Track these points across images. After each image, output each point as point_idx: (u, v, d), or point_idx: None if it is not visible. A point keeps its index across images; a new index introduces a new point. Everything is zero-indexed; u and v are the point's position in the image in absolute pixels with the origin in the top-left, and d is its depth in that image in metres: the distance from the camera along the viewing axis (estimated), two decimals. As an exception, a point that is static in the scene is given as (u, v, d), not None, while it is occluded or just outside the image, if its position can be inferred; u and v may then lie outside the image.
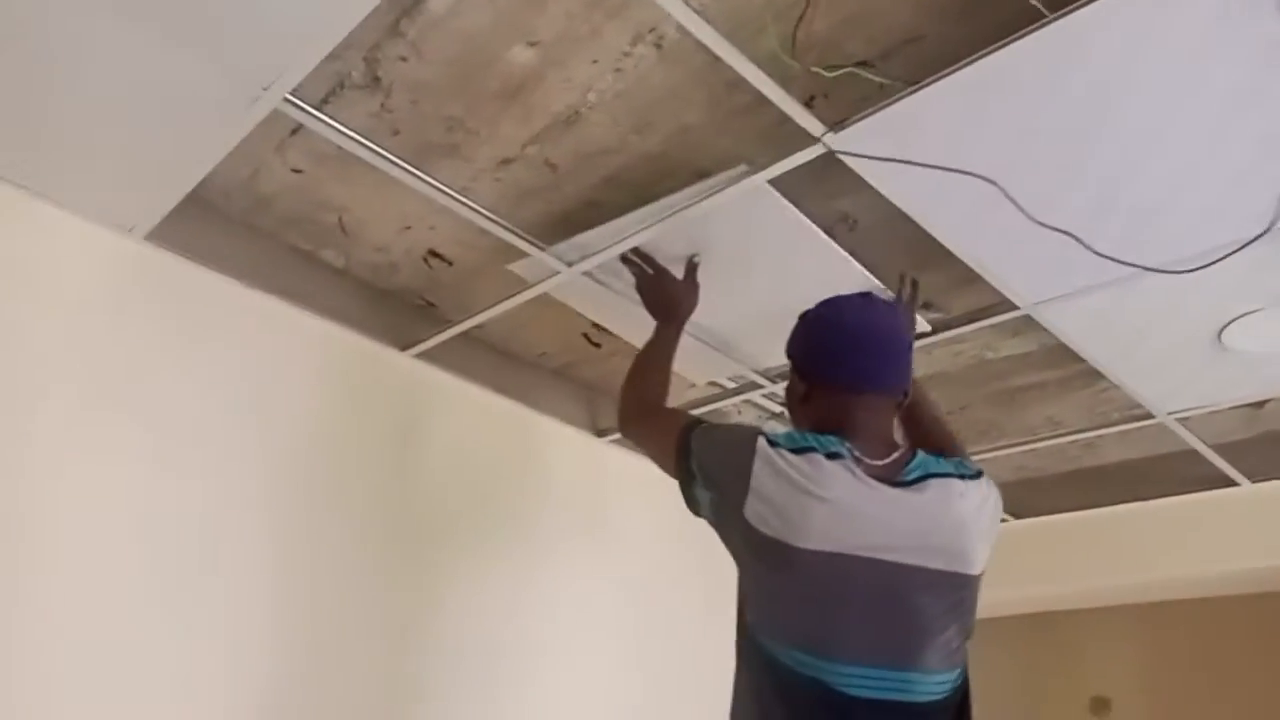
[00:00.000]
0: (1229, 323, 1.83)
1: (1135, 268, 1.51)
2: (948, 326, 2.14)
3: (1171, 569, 2.78)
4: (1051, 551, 2.99)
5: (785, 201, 1.76)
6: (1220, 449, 2.50)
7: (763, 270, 1.97)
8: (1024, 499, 3.08)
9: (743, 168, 1.69)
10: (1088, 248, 1.44)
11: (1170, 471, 2.68)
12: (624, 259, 1.92)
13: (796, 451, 1.39)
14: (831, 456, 1.38)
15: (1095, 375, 2.26)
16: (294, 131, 1.74)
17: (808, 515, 1.34)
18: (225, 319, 2.07)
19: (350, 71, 1.59)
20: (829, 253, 1.87)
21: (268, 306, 2.13)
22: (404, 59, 1.55)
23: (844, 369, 1.52)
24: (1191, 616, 3.26)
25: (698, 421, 1.60)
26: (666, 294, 1.90)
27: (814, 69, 1.30)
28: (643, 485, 2.78)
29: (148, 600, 1.82)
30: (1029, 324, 2.06)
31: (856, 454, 1.41)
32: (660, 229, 1.84)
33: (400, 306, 2.31)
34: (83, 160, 1.76)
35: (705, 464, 1.49)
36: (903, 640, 1.36)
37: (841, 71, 1.32)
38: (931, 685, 1.36)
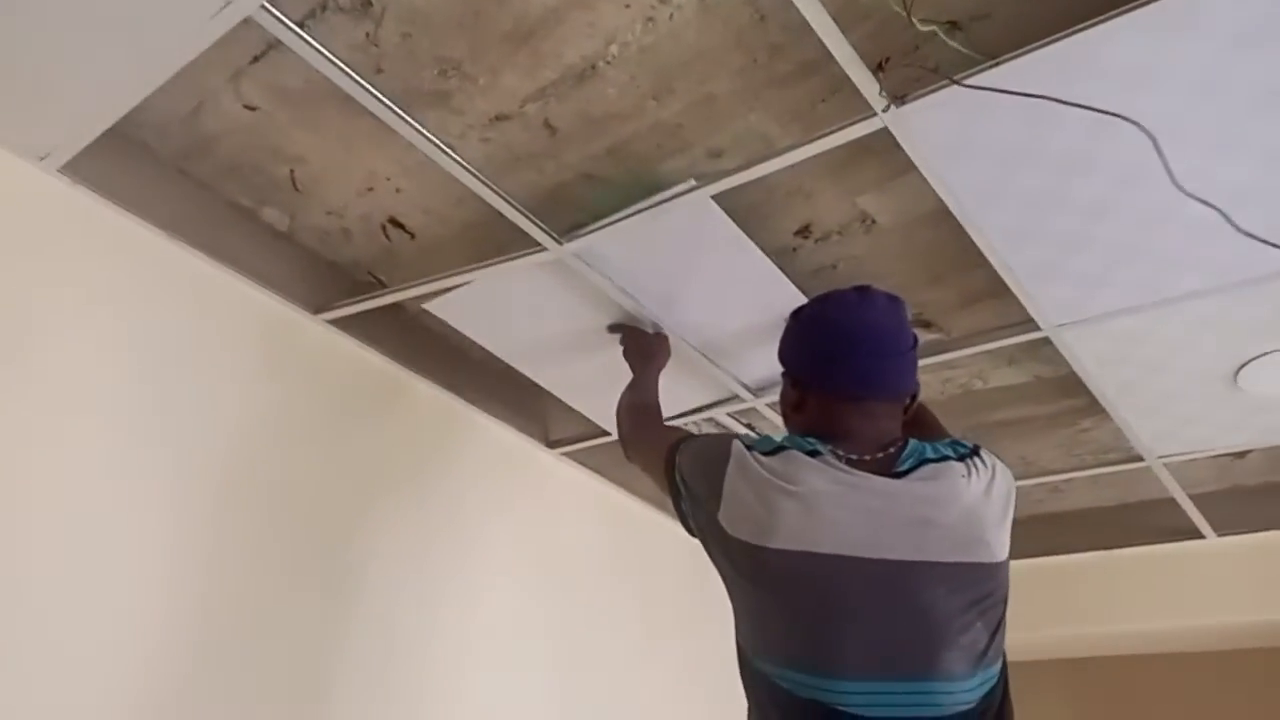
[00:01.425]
0: (1249, 361, 1.77)
1: None
2: (945, 349, 2.01)
3: (1130, 623, 2.72)
4: (1002, 599, 2.90)
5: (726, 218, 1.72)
6: (1193, 499, 2.45)
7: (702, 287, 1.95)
8: (978, 542, 2.97)
9: (690, 182, 1.63)
10: (1232, 223, 1.32)
11: (1139, 520, 2.63)
12: (610, 329, 2.03)
13: (770, 452, 1.29)
14: (810, 454, 1.28)
15: (1083, 413, 2.18)
16: (257, 58, 1.50)
17: (777, 513, 1.22)
18: (141, 273, 1.78)
19: (337, -11, 1.36)
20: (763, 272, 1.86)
21: (191, 265, 1.86)
22: (404, -20, 1.34)
23: (839, 376, 1.38)
24: (1146, 674, 3.21)
25: (686, 437, 1.48)
26: (646, 347, 1.96)
27: (915, 19, 1.15)
28: (591, 505, 2.60)
29: (30, 578, 1.53)
30: (1034, 351, 1.96)
31: (839, 451, 1.29)
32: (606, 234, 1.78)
33: (345, 281, 2.06)
34: (-9, 68, 1.47)
35: (686, 476, 1.39)
36: (915, 647, 1.19)
37: (930, 28, 1.17)
38: (959, 694, 1.18)
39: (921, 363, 2.05)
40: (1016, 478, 2.48)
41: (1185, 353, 1.78)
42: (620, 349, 1.99)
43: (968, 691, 1.19)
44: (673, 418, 2.31)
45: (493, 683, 2.23)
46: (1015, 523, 2.75)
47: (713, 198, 1.65)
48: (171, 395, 1.78)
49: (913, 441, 1.33)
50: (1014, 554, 2.87)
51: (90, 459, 1.64)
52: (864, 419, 1.35)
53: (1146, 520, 2.60)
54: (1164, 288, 1.64)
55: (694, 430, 2.42)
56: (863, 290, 1.43)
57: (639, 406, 1.78)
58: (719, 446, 1.34)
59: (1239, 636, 2.75)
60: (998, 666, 1.23)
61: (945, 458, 1.30)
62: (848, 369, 1.37)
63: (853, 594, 1.20)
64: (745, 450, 1.30)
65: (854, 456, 1.29)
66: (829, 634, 1.20)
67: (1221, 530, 2.58)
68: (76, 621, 1.56)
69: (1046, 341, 1.85)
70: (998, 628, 1.24)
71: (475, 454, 2.37)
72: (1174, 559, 2.67)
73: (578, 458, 2.53)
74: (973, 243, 1.63)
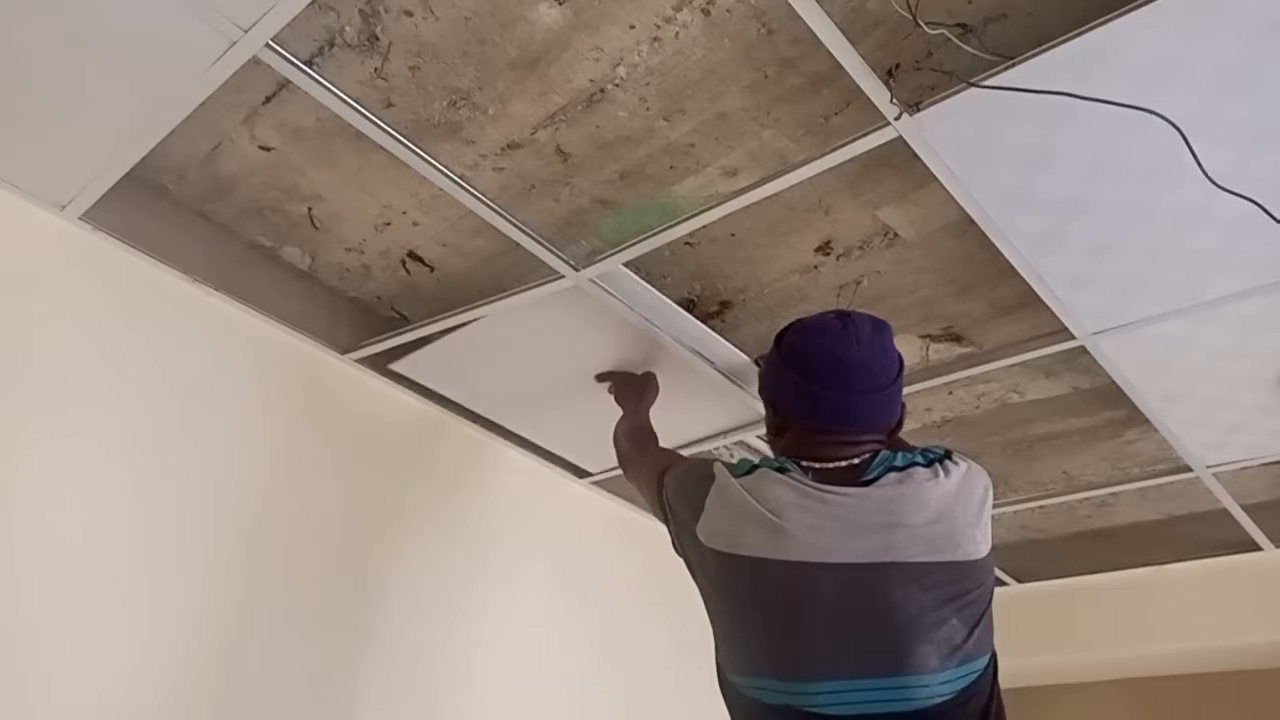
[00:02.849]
0: (1296, 364, 1.70)
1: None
2: (978, 363, 1.96)
3: (1187, 640, 2.61)
4: (1051, 620, 2.81)
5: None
6: (1247, 510, 2.35)
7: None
8: (1026, 561, 2.89)
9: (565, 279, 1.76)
10: (1269, 214, 1.27)
11: (1190, 534, 2.53)
12: (599, 377, 2.08)
13: (746, 473, 1.35)
14: (779, 470, 1.32)
15: (1126, 424, 2.11)
16: (268, 99, 1.51)
17: (749, 525, 1.27)
18: (165, 318, 1.80)
19: (344, 26, 1.36)
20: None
21: (215, 308, 1.87)
22: (409, 13, 1.34)
23: (818, 415, 1.37)
24: (1204, 694, 3.08)
25: (675, 462, 1.55)
26: (636, 386, 2.00)
27: (923, 22, 1.12)
28: (621, 531, 2.57)
29: (60, 607, 1.53)
30: (1070, 361, 1.90)
31: (805, 464, 1.33)
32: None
33: (368, 317, 2.06)
34: (7, 119, 1.49)
35: (672, 499, 1.45)
36: (884, 644, 1.20)
37: (939, 31, 1.14)
38: (935, 686, 1.18)
39: (954, 377, 2.01)
40: (1059, 493, 2.46)
41: (1229, 357, 1.71)
42: (611, 396, 2.04)
43: (943, 684, 1.19)
44: (701, 440, 2.29)
45: (528, 705, 2.20)
46: (1062, 541, 2.73)
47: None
48: (199, 436, 1.79)
49: (883, 451, 1.33)
50: (1062, 572, 2.84)
51: (119, 500, 1.65)
52: (843, 447, 1.35)
53: (1199, 533, 2.51)
54: (1203, 290, 1.58)
55: (724, 453, 2.39)
56: (845, 318, 1.39)
57: (635, 430, 1.84)
58: (703, 469, 1.40)
59: (1304, 653, 2.63)
60: (982, 661, 1.23)
61: (912, 464, 1.30)
62: (827, 409, 1.36)
63: (820, 597, 1.23)
64: (725, 471, 1.36)
65: (818, 467, 1.32)
66: (797, 639, 1.23)
67: (1279, 541, 2.47)
68: (103, 651, 1.56)
69: (1083, 351, 1.79)
70: (979, 622, 1.24)
71: (504, 484, 2.36)
72: (1230, 573, 2.56)
73: (608, 487, 2.50)
74: (999, 251, 1.59)
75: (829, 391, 1.35)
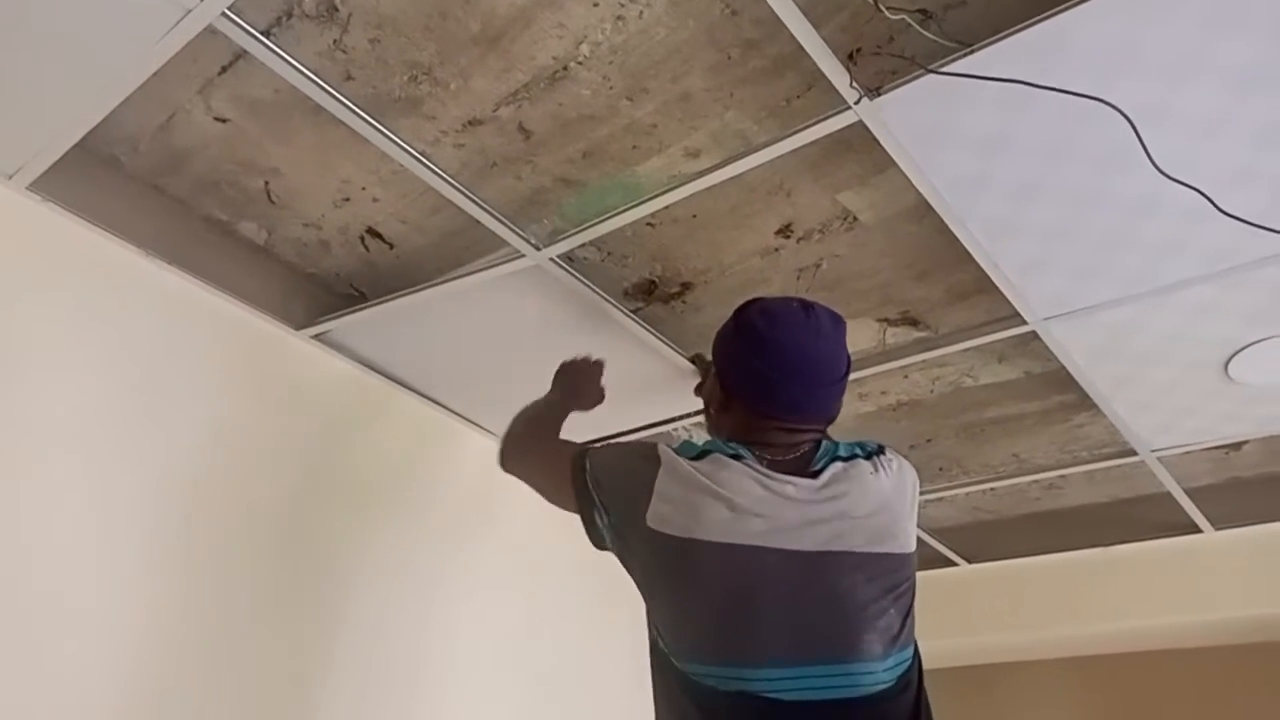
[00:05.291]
0: (1239, 350, 1.75)
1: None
2: (933, 347, 1.99)
3: (1129, 619, 2.69)
4: (1001, 599, 2.87)
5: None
6: (1190, 493, 2.42)
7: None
8: (976, 542, 2.95)
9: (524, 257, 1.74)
10: (1216, 205, 1.30)
11: (1135, 516, 2.60)
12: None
13: (696, 457, 1.34)
14: (733, 457, 1.33)
15: (1075, 409, 2.15)
16: (224, 69, 1.48)
17: (705, 510, 1.27)
18: (116, 291, 1.77)
19: (302, -4, 1.34)
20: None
21: (168, 282, 1.85)
22: (369, -16, 1.32)
23: (772, 401, 1.39)
24: (1146, 670, 3.18)
25: (589, 446, 1.50)
26: (581, 376, 1.92)
27: (884, 7, 1.13)
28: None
29: (8, 591, 1.50)
30: (1023, 346, 1.93)
31: (757, 452, 1.35)
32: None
33: (326, 294, 2.04)
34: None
35: (604, 483, 1.40)
36: (835, 631, 1.24)
37: (900, 16, 1.15)
38: (880, 673, 1.23)
39: (910, 360, 2.04)
40: (1010, 475, 2.51)
41: (1177, 343, 1.76)
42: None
43: (886, 671, 1.23)
44: (657, 424, 2.29)
45: (482, 690, 2.20)
46: (1012, 522, 2.79)
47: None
48: (153, 415, 1.76)
49: (825, 442, 1.38)
50: (1012, 553, 2.90)
51: (67, 479, 1.62)
52: (786, 434, 1.38)
53: (1144, 516, 2.58)
54: (1153, 277, 1.62)
55: (683, 434, 2.40)
56: (808, 308, 1.40)
57: (539, 417, 1.76)
58: (646, 451, 1.37)
59: (1240, 631, 2.72)
60: (910, 650, 1.29)
61: (854, 455, 1.35)
62: (783, 396, 1.38)
63: (773, 583, 1.25)
64: (672, 453, 1.34)
65: (769, 458, 1.34)
66: (751, 624, 1.24)
67: (1219, 524, 2.55)
68: (54, 634, 1.54)
69: (1034, 336, 1.83)
70: (908, 613, 1.30)
71: (466, 464, 2.35)
72: (1172, 554, 2.65)
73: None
74: (956, 237, 1.62)
75: (788, 380, 1.37)
